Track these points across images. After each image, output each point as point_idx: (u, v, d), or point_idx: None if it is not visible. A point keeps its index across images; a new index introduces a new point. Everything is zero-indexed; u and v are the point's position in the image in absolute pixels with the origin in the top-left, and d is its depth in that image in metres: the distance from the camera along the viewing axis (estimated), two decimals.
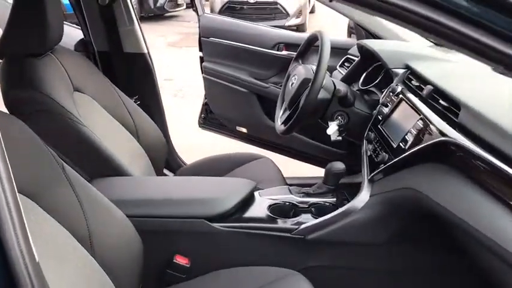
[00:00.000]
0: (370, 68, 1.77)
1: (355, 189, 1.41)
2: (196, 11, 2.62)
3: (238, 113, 2.61)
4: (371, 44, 1.64)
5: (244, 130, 2.65)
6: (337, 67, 2.07)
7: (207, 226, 1.30)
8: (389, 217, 1.26)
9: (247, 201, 1.41)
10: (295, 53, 2.36)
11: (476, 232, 0.93)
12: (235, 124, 2.67)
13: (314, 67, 1.68)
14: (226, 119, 2.69)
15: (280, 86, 2.43)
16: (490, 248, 0.90)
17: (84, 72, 1.65)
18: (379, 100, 1.60)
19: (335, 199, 1.45)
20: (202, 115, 2.83)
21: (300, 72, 1.64)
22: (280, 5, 8.16)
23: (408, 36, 1.96)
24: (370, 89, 1.70)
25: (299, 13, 8.38)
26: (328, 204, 1.42)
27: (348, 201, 1.43)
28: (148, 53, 2.02)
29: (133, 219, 1.19)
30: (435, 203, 1.06)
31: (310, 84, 1.52)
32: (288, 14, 8.20)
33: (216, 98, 2.67)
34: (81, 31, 2.05)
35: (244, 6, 8.28)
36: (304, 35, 2.43)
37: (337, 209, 1.37)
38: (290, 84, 1.67)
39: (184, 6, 10.47)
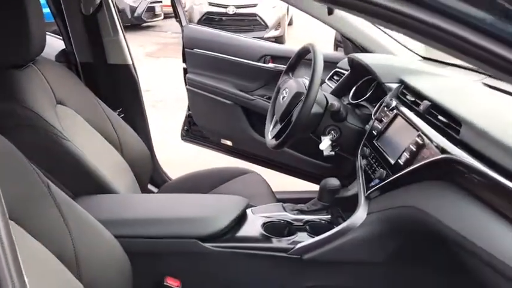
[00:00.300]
0: (360, 82, 1.75)
1: (350, 206, 1.38)
2: (180, 21, 2.57)
3: (223, 126, 2.56)
4: (363, 57, 1.62)
5: (229, 143, 2.61)
6: (326, 80, 2.04)
7: (199, 246, 1.24)
8: (388, 236, 1.23)
9: (240, 219, 1.36)
10: (282, 66, 2.35)
11: (479, 250, 0.91)
12: (219, 137, 2.63)
13: (305, 81, 1.66)
14: (211, 131, 2.64)
15: (267, 98, 2.41)
16: (494, 266, 0.88)
17: (67, 85, 1.59)
18: (371, 114, 1.59)
19: (330, 216, 1.42)
20: (185, 127, 2.78)
21: (291, 85, 1.61)
22: (259, 16, 8.18)
23: (397, 50, 1.96)
24: (361, 103, 1.68)
25: (278, 25, 8.42)
26: (323, 221, 1.39)
27: (343, 219, 1.40)
28: (133, 64, 1.96)
29: (122, 240, 1.13)
30: (437, 221, 1.03)
31: (303, 98, 1.49)
32: (266, 26, 8.22)
33: (200, 110, 2.63)
34: (62, 41, 1.98)
35: (223, 18, 8.27)
36: (291, 48, 2.42)
37: (333, 226, 1.33)
38: (281, 97, 1.63)
39: (162, 17, 10.40)
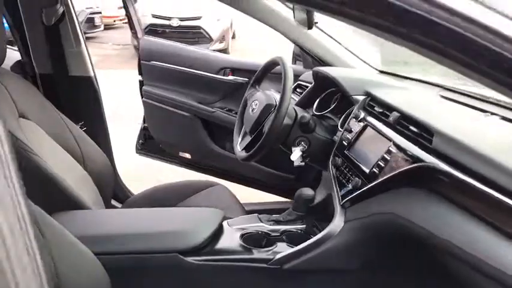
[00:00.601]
0: (324, 94, 1.80)
1: (325, 215, 1.42)
2: (135, 33, 2.54)
3: (182, 138, 2.54)
4: (329, 71, 1.68)
5: (187, 156, 2.58)
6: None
7: (181, 260, 1.22)
8: (366, 243, 1.27)
9: (218, 232, 1.35)
10: (242, 78, 2.38)
11: (456, 249, 0.97)
12: (177, 150, 2.60)
13: (274, 93, 1.69)
14: (168, 144, 2.61)
15: (227, 110, 2.42)
16: (469, 263, 0.94)
17: (28, 97, 1.51)
18: (336, 125, 1.64)
19: (305, 226, 1.44)
20: (140, 141, 2.72)
21: (260, 98, 1.64)
22: (204, 29, 8.20)
23: (355, 64, 2.04)
24: (326, 114, 1.74)
25: (222, 38, 8.47)
26: (299, 231, 1.41)
27: (318, 228, 1.43)
28: (95, 76, 1.90)
29: (101, 257, 1.09)
30: (415, 225, 1.09)
31: (275, 109, 1.52)
32: (211, 39, 8.25)
33: (156, 122, 2.59)
34: (14, 52, 1.89)
35: (167, 30, 8.20)
36: (250, 61, 2.45)
37: (309, 235, 1.36)
38: (250, 110, 1.65)
39: (102, 28, 10.14)
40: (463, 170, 0.99)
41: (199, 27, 8.17)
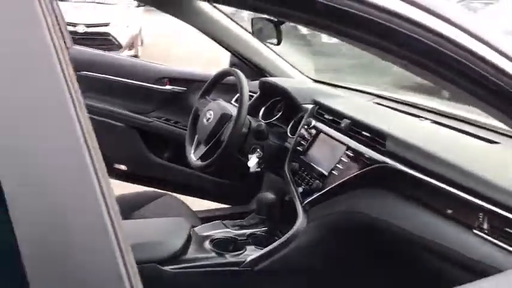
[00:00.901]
0: (269, 103, 1.91)
1: (286, 216, 1.51)
2: (64, 43, 2.44)
3: (116, 150, 2.48)
4: (277, 81, 1.78)
5: (123, 167, 2.54)
6: (232, 102, 2.16)
7: (159, 270, 1.24)
8: (330, 241, 1.39)
9: (189, 240, 1.38)
10: (179, 88, 2.40)
11: (415, 237, 1.12)
12: (112, 161, 2.54)
13: (225, 103, 1.76)
14: (101, 156, 2.54)
15: (165, 120, 2.42)
16: (429, 249, 1.09)
17: None
18: (285, 132, 1.75)
19: (267, 228, 1.52)
20: None
21: (214, 108, 1.69)
22: (112, 36, 7.96)
23: (293, 73, 2.17)
24: (273, 122, 1.84)
25: (131, 45, 8.29)
26: (264, 234, 1.49)
27: (280, 230, 1.52)
28: None
29: None
30: (376, 220, 1.22)
31: (231, 119, 1.59)
32: (120, 46, 8.03)
33: None
34: None
35: (73, 36, 7.82)
36: (188, 70, 2.48)
37: (274, 237, 1.44)
38: (205, 120, 1.70)
39: None
40: (415, 168, 1.15)
41: (107, 34, 7.92)
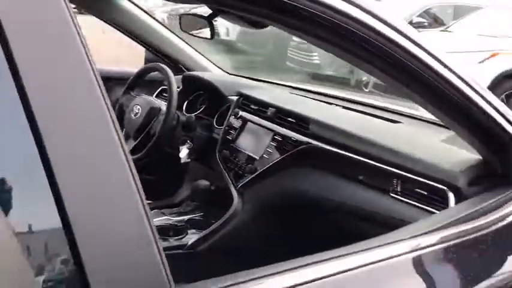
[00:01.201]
0: (192, 97, 1.99)
1: (220, 201, 1.62)
2: None
3: None
4: (202, 75, 1.87)
5: None
6: (153, 97, 2.20)
7: None
8: (265, 219, 1.52)
9: None
10: None
11: (338, 204, 1.30)
12: None
13: (151, 97, 1.82)
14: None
15: None
16: (351, 212, 1.27)
17: None
18: (210, 124, 1.85)
19: (203, 213, 1.62)
20: None
21: (142, 102, 1.74)
22: None
23: (211, 68, 2.26)
24: (199, 115, 1.93)
25: None
26: (202, 218, 1.58)
27: (215, 214, 1.62)
28: None
29: None
30: (307, 193, 1.38)
31: (163, 112, 1.65)
32: None
33: None
34: None
35: None
36: (104, 68, 2.45)
37: (210, 220, 1.54)
38: (133, 114, 1.74)
39: None
40: (336, 145, 1.33)
41: None
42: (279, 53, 7.74)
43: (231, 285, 0.59)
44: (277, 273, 0.63)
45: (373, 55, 0.84)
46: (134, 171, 0.51)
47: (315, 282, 0.65)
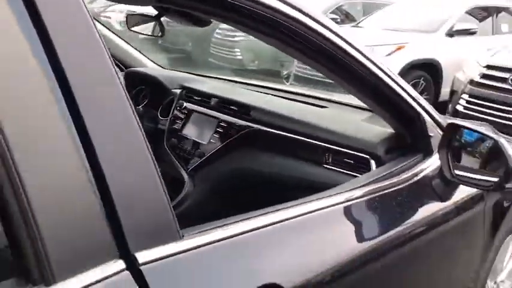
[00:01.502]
0: (133, 92, 2.11)
1: (171, 189, 1.76)
2: None
3: None
4: (146, 71, 2.01)
5: None
6: None
7: None
8: (216, 198, 1.69)
9: None
10: None
11: (281, 176, 1.50)
12: None
13: None
14: None
15: None
16: (291, 183, 1.48)
17: None
18: (155, 116, 1.98)
19: None
20: None
21: None
22: None
23: (149, 64, 2.38)
24: (141, 108, 2.06)
25: None
26: None
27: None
28: None
29: None
30: (253, 171, 1.58)
31: None
32: None
33: None
34: None
35: None
36: None
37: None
38: None
39: None
40: (275, 127, 1.54)
41: None
42: (202, 49, 7.88)
43: (233, 222, 0.78)
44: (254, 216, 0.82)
45: (306, 48, 1.05)
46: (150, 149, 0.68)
47: (267, 227, 0.84)
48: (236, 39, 7.52)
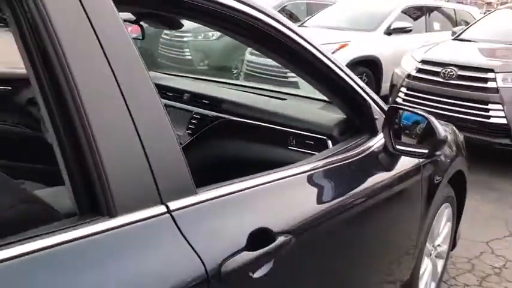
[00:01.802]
0: None
1: None
2: None
3: None
4: None
5: None
6: None
7: None
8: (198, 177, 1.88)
9: None
10: (3, 87, 2.48)
11: (252, 160, 1.73)
12: None
13: None
14: None
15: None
16: (262, 164, 1.72)
17: None
18: None
19: None
20: None
21: None
22: None
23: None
24: None
25: None
26: None
27: None
28: None
29: None
30: (228, 155, 1.80)
31: None
32: None
33: None
34: None
35: None
36: (9, 70, 2.56)
37: None
38: None
39: None
40: (244, 117, 1.76)
41: None
42: (151, 49, 7.93)
43: (231, 183, 1.00)
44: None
45: (273, 45, 1.29)
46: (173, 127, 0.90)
47: (256, 187, 1.07)
48: (185, 39, 7.65)
